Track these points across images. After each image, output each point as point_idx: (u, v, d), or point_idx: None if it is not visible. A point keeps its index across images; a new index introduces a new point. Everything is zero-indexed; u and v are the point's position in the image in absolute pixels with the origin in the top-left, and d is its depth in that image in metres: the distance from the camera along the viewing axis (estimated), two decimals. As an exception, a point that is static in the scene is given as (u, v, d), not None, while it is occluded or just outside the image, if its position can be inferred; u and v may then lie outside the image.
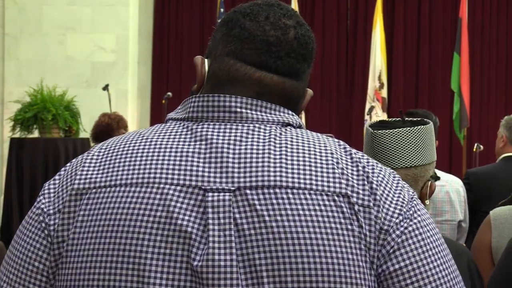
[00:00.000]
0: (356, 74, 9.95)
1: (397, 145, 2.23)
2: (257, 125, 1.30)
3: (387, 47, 9.40)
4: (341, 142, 1.33)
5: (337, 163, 1.27)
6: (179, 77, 10.27)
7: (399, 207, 1.27)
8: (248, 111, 1.31)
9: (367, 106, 8.93)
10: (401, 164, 2.23)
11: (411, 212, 1.27)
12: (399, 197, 1.28)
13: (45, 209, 1.30)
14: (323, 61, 10.00)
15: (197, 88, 1.39)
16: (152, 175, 1.25)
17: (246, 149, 1.26)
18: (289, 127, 1.33)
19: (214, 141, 1.27)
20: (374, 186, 1.27)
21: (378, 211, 1.25)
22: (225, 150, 1.26)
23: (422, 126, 2.26)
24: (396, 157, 2.22)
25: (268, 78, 1.33)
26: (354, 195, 1.25)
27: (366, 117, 8.87)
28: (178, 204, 1.23)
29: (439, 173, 3.78)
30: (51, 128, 7.61)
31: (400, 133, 2.24)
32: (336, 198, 1.24)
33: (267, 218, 1.21)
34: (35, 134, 7.76)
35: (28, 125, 7.64)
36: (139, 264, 1.21)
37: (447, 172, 4.28)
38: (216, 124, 1.30)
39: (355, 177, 1.27)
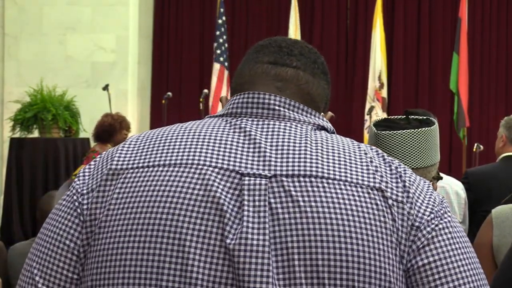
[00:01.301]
0: (356, 74, 9.95)
1: (400, 147, 2.22)
2: (294, 123, 1.35)
3: (387, 47, 9.40)
4: (374, 147, 1.37)
5: (371, 161, 1.31)
6: (179, 77, 10.27)
7: (430, 206, 1.30)
8: (286, 110, 1.36)
9: (367, 106, 8.93)
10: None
11: (441, 212, 1.31)
12: (430, 197, 1.32)
13: (79, 189, 1.33)
14: (323, 61, 10.00)
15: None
16: (191, 157, 1.29)
17: (283, 141, 1.31)
18: (323, 131, 1.38)
19: (253, 132, 1.32)
20: (407, 184, 1.30)
21: (411, 207, 1.28)
22: (263, 140, 1.30)
23: (426, 128, 2.25)
24: (399, 158, 2.21)
25: (284, 71, 1.40)
26: (388, 190, 1.28)
27: (366, 117, 8.87)
28: (216, 184, 1.26)
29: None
30: (51, 128, 7.62)
31: (404, 135, 2.22)
32: (370, 191, 1.27)
33: (301, 204, 1.24)
34: (35, 134, 7.77)
35: (28, 125, 7.65)
36: (176, 239, 1.23)
37: (447, 172, 4.29)
38: (254, 120, 1.35)
39: (388, 174, 1.30)
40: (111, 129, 6.94)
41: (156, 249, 1.24)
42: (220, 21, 9.08)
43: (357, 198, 1.26)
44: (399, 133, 2.22)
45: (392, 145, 2.22)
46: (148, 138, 1.36)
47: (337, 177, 1.27)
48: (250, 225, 1.23)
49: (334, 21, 10.11)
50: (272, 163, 1.28)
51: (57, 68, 9.15)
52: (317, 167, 1.28)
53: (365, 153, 1.33)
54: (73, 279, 1.30)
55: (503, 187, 4.27)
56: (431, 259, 1.27)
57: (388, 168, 1.32)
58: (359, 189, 1.27)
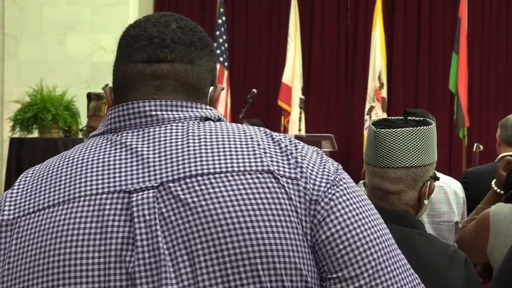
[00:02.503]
0: (356, 74, 9.95)
1: (399, 144, 2.24)
2: (174, 124, 1.32)
3: (387, 47, 9.40)
4: (262, 128, 1.35)
5: (258, 144, 1.29)
6: (179, 77, 10.26)
7: (325, 176, 1.28)
8: (164, 112, 1.33)
9: (367, 106, 8.93)
10: (402, 164, 2.23)
11: (337, 179, 1.29)
12: (324, 168, 1.30)
13: None
14: (323, 61, 10.00)
15: (109, 107, 1.41)
16: (77, 190, 1.26)
17: (165, 146, 1.28)
18: (208, 121, 1.35)
19: (134, 145, 1.29)
20: (299, 160, 1.28)
21: (306, 182, 1.26)
22: (145, 151, 1.28)
23: (425, 127, 2.27)
24: (397, 156, 2.23)
25: (159, 69, 1.35)
26: (281, 169, 1.26)
27: (366, 117, 8.87)
28: (106, 212, 1.23)
29: (438, 175, 3.79)
30: (51, 128, 7.61)
31: (403, 133, 2.24)
32: (259, 175, 1.25)
33: (192, 205, 1.22)
34: (35, 134, 7.76)
35: (28, 125, 7.65)
36: (78, 278, 1.21)
37: (447, 171, 4.29)
38: (134, 131, 1.32)
39: (278, 154, 1.28)
40: None
41: None
42: (220, 21, 9.08)
43: (246, 186, 1.24)
44: (397, 131, 2.24)
45: (391, 143, 2.24)
46: (35, 177, 1.32)
47: (223, 169, 1.25)
48: (145, 242, 1.21)
49: (334, 21, 10.11)
50: (157, 171, 1.25)
51: (57, 68, 9.15)
52: (201, 164, 1.25)
53: (251, 137, 1.30)
54: None
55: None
56: (333, 230, 1.24)
57: (277, 148, 1.29)
58: (248, 176, 1.25)
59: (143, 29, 1.38)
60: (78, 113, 7.90)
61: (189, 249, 1.21)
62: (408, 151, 2.24)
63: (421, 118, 2.35)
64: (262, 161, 1.26)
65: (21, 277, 1.24)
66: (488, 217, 2.88)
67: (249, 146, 1.29)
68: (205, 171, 1.25)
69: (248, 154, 1.27)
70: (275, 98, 9.17)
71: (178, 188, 1.24)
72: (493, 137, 4.98)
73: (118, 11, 9.41)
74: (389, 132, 2.25)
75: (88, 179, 1.26)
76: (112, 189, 1.25)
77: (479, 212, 3.07)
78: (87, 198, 1.25)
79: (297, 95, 8.67)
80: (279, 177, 1.25)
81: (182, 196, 1.23)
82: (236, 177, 1.25)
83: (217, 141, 1.29)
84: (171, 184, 1.24)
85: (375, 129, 2.27)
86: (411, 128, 2.26)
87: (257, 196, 1.23)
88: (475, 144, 7.74)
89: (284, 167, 1.27)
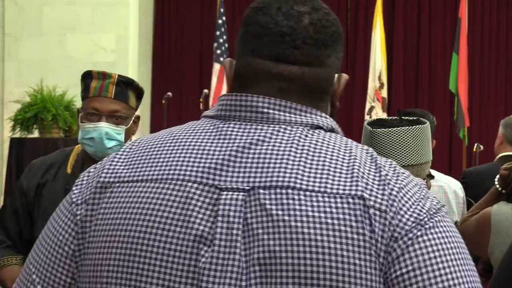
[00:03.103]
0: (356, 74, 9.95)
1: (394, 144, 2.25)
2: (283, 126, 1.28)
3: (387, 47, 9.40)
4: (370, 150, 1.30)
5: (359, 167, 1.24)
6: (179, 77, 10.27)
7: (415, 215, 1.22)
8: (276, 112, 1.29)
9: (367, 106, 8.93)
10: (398, 163, 2.24)
11: (426, 219, 1.22)
12: (418, 205, 1.23)
13: (74, 199, 1.34)
14: (323, 61, 10.01)
15: (228, 90, 1.39)
16: (171, 171, 1.26)
17: (267, 149, 1.25)
18: (318, 130, 1.30)
19: (238, 140, 1.27)
20: (394, 192, 1.23)
21: (393, 217, 1.20)
22: (246, 150, 1.26)
23: (419, 126, 2.28)
24: (392, 155, 2.25)
25: (286, 70, 1.30)
26: (372, 198, 1.21)
27: (366, 117, 8.87)
28: (194, 202, 1.24)
29: (438, 175, 3.80)
30: (51, 128, 7.61)
31: (397, 132, 2.26)
32: (350, 200, 1.21)
33: (275, 218, 1.20)
34: (35, 134, 7.76)
35: (28, 125, 7.65)
36: (153, 259, 1.23)
37: (447, 171, 4.29)
38: (242, 124, 1.29)
39: (376, 182, 1.23)
40: None
41: (134, 268, 1.24)
42: (220, 21, 9.08)
43: (334, 210, 1.20)
44: (392, 130, 2.25)
45: (386, 143, 2.25)
46: (140, 147, 1.34)
47: (316, 188, 1.21)
48: (222, 243, 1.21)
49: (334, 21, 10.10)
50: (252, 174, 1.24)
51: (57, 68, 9.15)
52: (296, 177, 1.22)
53: (354, 158, 1.25)
54: (70, 284, 1.32)
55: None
56: (404, 270, 1.19)
57: (377, 174, 1.24)
58: (338, 200, 1.20)
59: (274, 21, 1.31)
60: (78, 113, 7.90)
61: (263, 260, 1.19)
62: (403, 150, 2.26)
63: (415, 118, 2.37)
64: (357, 185, 1.22)
65: (102, 242, 1.27)
66: (490, 217, 2.88)
67: (349, 167, 1.24)
68: (298, 185, 1.22)
69: (346, 176, 1.23)
70: (275, 98, 9.16)
71: (267, 197, 1.21)
72: (493, 137, 4.97)
73: (118, 11, 9.41)
74: (384, 131, 2.26)
75: (185, 163, 1.27)
76: (205, 180, 1.25)
77: (479, 208, 3.08)
78: (178, 183, 1.25)
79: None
80: (368, 206, 1.20)
81: (268, 206, 1.21)
82: (326, 199, 1.21)
83: (319, 156, 1.25)
84: (261, 191, 1.22)
85: (370, 129, 2.29)
86: (406, 128, 2.27)
87: (341, 222, 1.19)
88: (475, 144, 7.75)
89: (376, 196, 1.21)
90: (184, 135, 1.32)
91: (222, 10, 9.12)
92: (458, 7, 8.91)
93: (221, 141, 1.28)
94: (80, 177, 1.38)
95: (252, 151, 1.26)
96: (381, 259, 1.19)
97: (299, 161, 1.24)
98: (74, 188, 1.36)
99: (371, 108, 8.84)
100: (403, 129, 2.28)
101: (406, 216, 1.21)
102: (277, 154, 1.25)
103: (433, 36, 9.98)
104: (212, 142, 1.28)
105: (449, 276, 1.19)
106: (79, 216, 1.32)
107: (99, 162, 1.38)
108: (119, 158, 1.34)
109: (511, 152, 4.67)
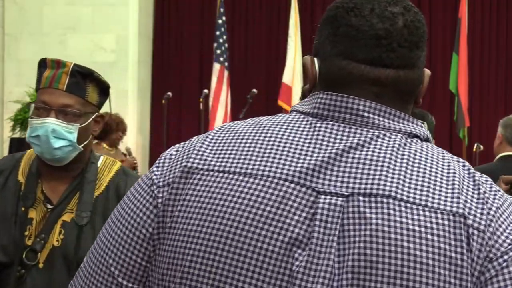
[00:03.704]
0: (356, 74, 9.95)
1: None
2: (382, 132, 1.25)
3: (387, 47, 9.39)
4: (466, 164, 1.27)
5: (459, 183, 1.21)
6: (179, 77, 10.27)
7: (511, 236, 1.19)
8: (376, 116, 1.25)
9: (367, 106, 8.92)
10: None
11: None
12: None
13: (155, 180, 1.29)
14: (323, 61, 10.00)
15: (309, 88, 1.33)
16: (267, 168, 1.22)
17: (366, 155, 1.22)
18: (415, 139, 1.27)
19: (337, 143, 1.23)
20: (492, 212, 1.20)
21: (489, 238, 1.18)
22: (344, 154, 1.22)
23: None
24: None
25: (384, 75, 1.27)
26: (471, 217, 1.18)
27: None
28: (290, 203, 1.20)
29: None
30: (51, 128, 7.60)
31: None
32: (451, 217, 1.18)
33: (374, 227, 1.17)
34: (35, 134, 7.76)
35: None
36: (242, 256, 1.19)
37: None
38: (340, 126, 1.25)
39: (474, 199, 1.20)
40: (107, 128, 6.97)
41: (221, 262, 1.20)
42: (220, 21, 9.08)
43: (434, 226, 1.17)
44: None
45: None
46: (229, 136, 1.29)
47: (417, 201, 1.18)
48: (318, 248, 1.17)
49: (334, 21, 10.10)
50: (352, 179, 1.20)
51: (57, 68, 9.14)
52: (397, 187, 1.19)
53: (454, 173, 1.23)
54: (147, 268, 1.27)
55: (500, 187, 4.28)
56: None
57: (476, 192, 1.22)
58: (439, 215, 1.18)
59: (369, 23, 1.26)
60: (78, 113, 7.90)
61: (357, 269, 1.16)
62: None
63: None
64: (458, 202, 1.19)
65: (187, 230, 1.23)
66: None
67: (449, 182, 1.21)
68: (399, 196, 1.18)
69: (446, 191, 1.20)
70: (275, 98, 9.17)
71: (367, 205, 1.18)
72: (493, 137, 4.98)
73: (118, 11, 9.41)
74: None
75: (282, 161, 1.22)
76: (302, 181, 1.21)
77: None
78: (275, 181, 1.21)
79: (297, 95, 8.66)
80: (468, 225, 1.18)
81: (368, 214, 1.18)
82: (427, 213, 1.18)
83: (418, 167, 1.22)
84: (361, 198, 1.19)
85: None
86: None
87: (441, 239, 1.17)
88: (475, 144, 7.75)
89: (475, 215, 1.19)
90: (279, 130, 1.27)
91: (222, 10, 9.11)
92: (458, 7, 8.90)
93: (319, 141, 1.24)
94: (160, 159, 1.32)
95: (351, 155, 1.22)
96: (474, 278, 1.17)
97: (400, 170, 1.21)
98: (154, 169, 1.31)
99: (371, 108, 8.84)
100: None
101: (503, 238, 1.19)
102: (377, 161, 1.21)
103: (433, 36, 9.98)
104: (310, 142, 1.24)
105: None
106: (160, 199, 1.26)
107: (182, 145, 1.33)
108: (208, 144, 1.28)
109: (510, 152, 4.68)
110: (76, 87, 2.51)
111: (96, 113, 2.57)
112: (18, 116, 7.69)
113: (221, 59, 8.95)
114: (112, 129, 6.97)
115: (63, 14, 9.37)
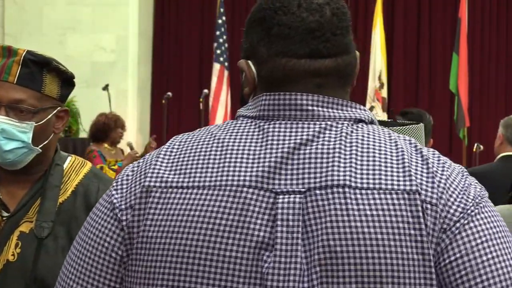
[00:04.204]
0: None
1: None
2: (328, 123, 1.28)
3: (387, 47, 9.40)
4: (412, 140, 1.31)
5: (408, 160, 1.25)
6: (179, 77, 10.27)
7: (462, 205, 1.24)
8: (320, 108, 1.28)
9: (367, 106, 8.93)
10: None
11: (472, 208, 1.24)
12: (464, 194, 1.25)
13: (116, 204, 1.30)
14: (323, 61, 10.01)
15: (249, 91, 1.35)
16: (224, 178, 1.24)
17: (317, 148, 1.25)
18: (361, 123, 1.30)
19: (287, 141, 1.26)
20: (441, 184, 1.24)
21: (442, 210, 1.22)
22: (296, 151, 1.25)
23: (410, 126, 2.29)
24: None
25: (323, 65, 1.29)
26: (423, 192, 1.22)
27: (366, 117, 8.88)
28: (251, 208, 1.22)
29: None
30: (51, 128, 7.60)
31: (394, 131, 2.27)
32: (406, 196, 1.21)
33: (333, 218, 1.20)
34: (35, 134, 7.76)
35: (28, 125, 7.64)
36: (213, 267, 1.22)
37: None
38: (287, 123, 1.28)
39: (424, 174, 1.24)
40: (106, 128, 6.99)
41: (192, 277, 1.22)
42: (220, 21, 9.08)
43: (391, 207, 1.21)
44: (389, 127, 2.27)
45: None
46: (181, 150, 1.31)
47: (371, 185, 1.22)
48: (284, 247, 1.20)
49: (334, 21, 10.11)
50: (306, 175, 1.23)
51: (57, 68, 9.15)
52: (350, 175, 1.22)
53: (402, 151, 1.26)
54: None
55: (501, 187, 4.27)
56: (452, 258, 1.21)
57: (425, 167, 1.25)
58: (394, 196, 1.21)
59: (299, 19, 1.29)
60: (78, 113, 7.91)
61: (323, 261, 1.19)
62: None
63: (411, 121, 2.39)
64: (410, 180, 1.23)
65: (154, 250, 1.24)
66: None
67: (399, 162, 1.24)
68: (353, 184, 1.21)
69: (398, 171, 1.23)
70: (275, 98, 9.16)
71: (324, 197, 1.21)
72: (493, 137, 4.98)
73: (118, 11, 9.41)
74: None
75: (237, 169, 1.25)
76: (259, 185, 1.23)
77: None
78: (233, 189, 1.23)
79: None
80: (422, 200, 1.22)
81: (327, 207, 1.21)
82: (383, 196, 1.21)
83: (368, 152, 1.25)
84: (317, 192, 1.22)
85: None
86: (397, 127, 2.28)
87: (399, 219, 1.20)
88: (475, 144, 7.75)
89: (427, 190, 1.23)
90: (229, 138, 1.29)
91: (222, 10, 9.12)
92: (458, 7, 8.90)
93: (269, 142, 1.26)
94: (117, 181, 1.33)
95: (302, 151, 1.25)
96: (432, 250, 1.21)
97: (350, 158, 1.24)
98: (113, 192, 1.31)
99: (371, 108, 8.84)
100: (397, 129, 2.29)
101: (454, 207, 1.23)
102: (327, 153, 1.24)
103: (433, 36, 9.99)
104: (261, 145, 1.26)
105: (496, 260, 1.22)
106: (125, 221, 1.28)
107: (136, 164, 1.34)
108: (162, 160, 1.30)
109: (511, 152, 4.68)
110: (29, 78, 2.09)
111: (58, 108, 2.13)
112: (18, 116, 7.68)
113: (221, 59, 8.96)
114: (111, 128, 6.98)
115: (63, 14, 9.37)
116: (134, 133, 9.59)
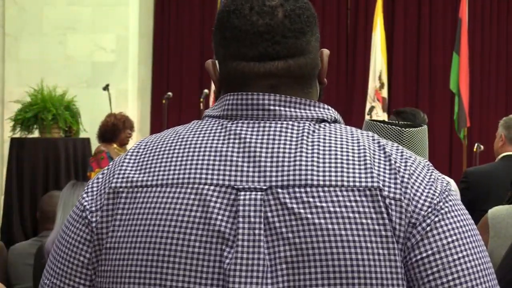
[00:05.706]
0: (356, 74, 9.96)
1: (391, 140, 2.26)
2: (290, 123, 1.30)
3: (387, 47, 9.40)
4: (376, 136, 1.33)
5: (370, 157, 1.27)
6: (179, 77, 10.27)
7: (429, 199, 1.26)
8: (282, 108, 1.31)
9: (367, 106, 8.93)
10: None
11: (441, 204, 1.26)
12: (430, 188, 1.27)
13: (87, 206, 1.33)
14: (323, 61, 10.01)
15: (217, 90, 1.40)
16: (187, 175, 1.27)
17: (279, 147, 1.27)
18: (323, 123, 1.32)
19: (248, 139, 1.29)
20: (405, 179, 1.26)
21: (408, 204, 1.24)
22: (258, 149, 1.28)
23: (420, 128, 2.29)
24: None
25: (274, 67, 1.32)
26: (386, 188, 1.24)
27: (367, 117, 8.87)
28: (212, 204, 1.25)
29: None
30: (51, 128, 7.62)
31: (394, 132, 2.26)
32: (368, 192, 1.24)
33: (298, 216, 1.22)
34: (35, 134, 7.77)
35: (29, 125, 7.65)
36: (176, 263, 1.24)
37: (447, 172, 4.29)
38: (250, 123, 1.31)
39: (387, 171, 1.26)
40: (115, 129, 7.00)
41: (157, 273, 1.25)
42: (220, 21, 9.08)
43: (353, 204, 1.23)
44: (389, 127, 2.26)
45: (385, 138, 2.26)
46: (147, 150, 1.35)
47: (333, 183, 1.24)
48: (245, 243, 1.22)
49: (334, 21, 10.11)
50: (268, 173, 1.25)
51: (57, 68, 9.15)
52: (312, 174, 1.24)
53: (364, 149, 1.28)
54: None
55: (502, 186, 4.28)
56: (424, 254, 1.23)
57: (387, 163, 1.27)
58: (356, 193, 1.24)
59: (249, 22, 1.32)
60: (78, 113, 7.91)
61: (289, 258, 1.21)
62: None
63: (408, 123, 2.39)
64: (372, 177, 1.25)
65: (121, 249, 1.28)
66: (487, 220, 2.89)
67: (360, 159, 1.27)
68: (315, 182, 1.24)
69: (359, 168, 1.26)
70: (275, 98, 9.17)
71: (286, 196, 1.24)
72: (493, 137, 4.98)
73: (118, 11, 9.41)
74: (385, 127, 2.27)
75: (199, 166, 1.27)
76: (220, 182, 1.26)
77: None
78: (195, 186, 1.26)
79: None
80: (385, 196, 1.24)
81: (290, 205, 1.23)
82: (345, 193, 1.24)
83: (329, 150, 1.27)
84: (279, 190, 1.24)
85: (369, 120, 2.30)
86: (399, 128, 2.28)
87: (362, 215, 1.23)
88: (476, 144, 7.75)
89: (390, 186, 1.25)
90: (193, 137, 1.32)
91: (222, 10, 9.11)
92: (458, 7, 8.91)
93: (231, 141, 1.29)
94: (89, 184, 1.37)
95: (264, 150, 1.27)
96: (400, 245, 1.23)
97: (312, 157, 1.26)
98: (84, 195, 1.36)
99: (371, 108, 8.84)
100: (396, 130, 2.29)
101: (421, 202, 1.26)
102: (289, 152, 1.27)
103: (433, 36, 9.98)
104: (223, 143, 1.29)
105: (466, 259, 1.25)
106: (94, 223, 1.31)
107: (107, 167, 1.38)
108: (128, 162, 1.34)
109: (511, 152, 4.68)
110: None
111: None
112: (19, 116, 7.68)
113: (221, 59, 8.95)
114: (119, 129, 6.99)
115: (63, 14, 9.36)
116: (135, 133, 9.58)
